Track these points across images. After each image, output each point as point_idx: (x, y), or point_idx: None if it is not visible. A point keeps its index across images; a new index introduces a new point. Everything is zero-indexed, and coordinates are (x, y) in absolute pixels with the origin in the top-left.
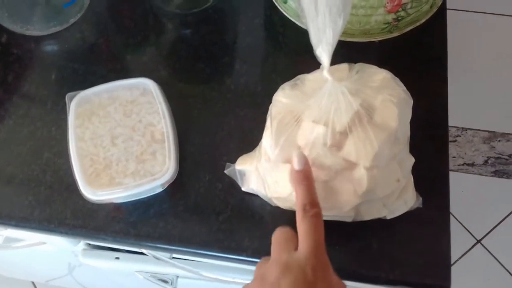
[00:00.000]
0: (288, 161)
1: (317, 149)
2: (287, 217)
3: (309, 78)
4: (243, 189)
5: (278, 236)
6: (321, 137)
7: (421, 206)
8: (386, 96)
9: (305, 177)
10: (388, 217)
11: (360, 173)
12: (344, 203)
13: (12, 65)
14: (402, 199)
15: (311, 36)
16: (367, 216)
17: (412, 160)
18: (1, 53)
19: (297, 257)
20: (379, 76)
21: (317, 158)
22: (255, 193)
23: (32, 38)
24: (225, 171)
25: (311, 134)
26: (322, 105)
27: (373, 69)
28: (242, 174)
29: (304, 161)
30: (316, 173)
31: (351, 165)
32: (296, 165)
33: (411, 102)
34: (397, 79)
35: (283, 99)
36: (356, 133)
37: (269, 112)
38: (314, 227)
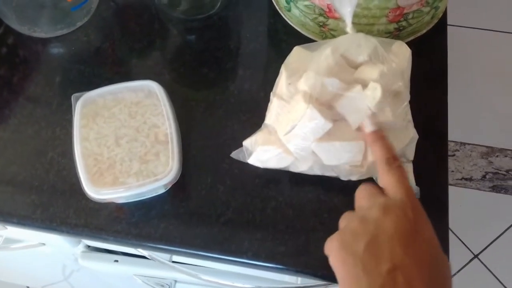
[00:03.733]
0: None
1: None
2: (288, 221)
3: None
4: (249, 161)
5: (364, 189)
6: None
7: (418, 197)
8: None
9: (380, 136)
10: None
11: (373, 86)
12: (355, 120)
13: (18, 66)
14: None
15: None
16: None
17: (415, 133)
18: (8, 54)
19: (394, 200)
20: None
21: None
22: (261, 164)
23: (39, 40)
24: (231, 155)
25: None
26: (344, 40)
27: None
28: (248, 149)
29: (376, 122)
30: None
31: (363, 83)
32: (369, 127)
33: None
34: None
35: (300, 50)
36: (373, 61)
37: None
38: (401, 176)
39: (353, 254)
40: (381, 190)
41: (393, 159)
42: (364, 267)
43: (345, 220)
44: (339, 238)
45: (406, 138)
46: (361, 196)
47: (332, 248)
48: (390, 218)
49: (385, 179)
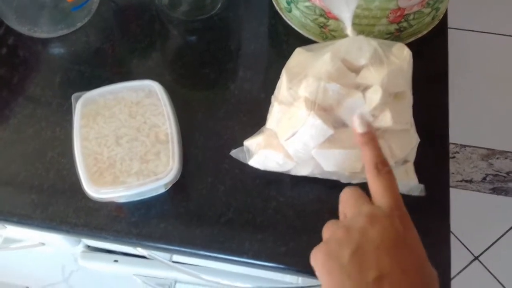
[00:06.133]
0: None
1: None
2: (289, 221)
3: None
4: (249, 163)
5: (349, 194)
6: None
7: (423, 194)
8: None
9: (371, 138)
10: None
11: (375, 89)
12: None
13: (18, 66)
14: (404, 168)
15: (333, 8)
16: None
17: (417, 138)
18: (8, 54)
19: (381, 209)
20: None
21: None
22: (261, 167)
23: (40, 40)
24: (231, 153)
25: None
26: (345, 43)
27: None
28: (249, 150)
29: (367, 123)
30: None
31: (365, 88)
32: (359, 128)
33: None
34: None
35: (302, 52)
36: (374, 64)
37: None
38: (390, 182)
39: (339, 263)
40: (365, 194)
41: (382, 164)
42: (349, 275)
43: (329, 230)
44: (324, 248)
45: (410, 145)
46: (346, 200)
47: (318, 259)
48: (377, 228)
49: (373, 185)
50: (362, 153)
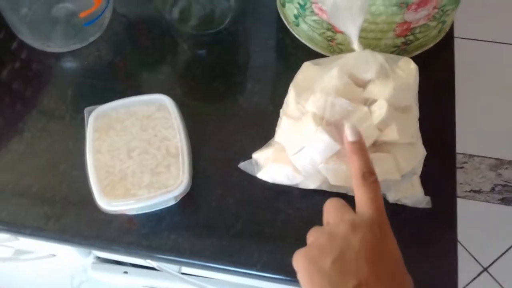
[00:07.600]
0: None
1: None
2: (298, 234)
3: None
4: (258, 176)
5: (332, 203)
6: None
7: (430, 206)
8: (408, 59)
9: (360, 148)
10: (391, 199)
11: (380, 104)
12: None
13: (32, 80)
14: (410, 181)
15: (339, 24)
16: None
17: (423, 150)
18: (22, 68)
19: (362, 217)
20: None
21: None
22: (270, 180)
23: (52, 54)
24: (239, 166)
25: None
26: (352, 58)
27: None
28: (258, 163)
29: (358, 132)
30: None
31: (371, 102)
32: (350, 137)
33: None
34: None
35: (310, 66)
36: (380, 78)
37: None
38: (375, 192)
39: (320, 270)
40: (347, 204)
41: (369, 174)
42: (330, 283)
43: (313, 236)
44: (306, 253)
45: (416, 158)
46: (329, 209)
47: (299, 262)
48: (357, 235)
49: (358, 193)
50: (350, 161)
